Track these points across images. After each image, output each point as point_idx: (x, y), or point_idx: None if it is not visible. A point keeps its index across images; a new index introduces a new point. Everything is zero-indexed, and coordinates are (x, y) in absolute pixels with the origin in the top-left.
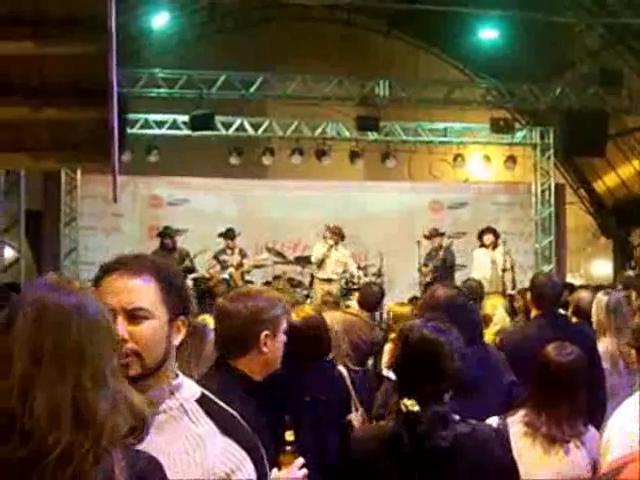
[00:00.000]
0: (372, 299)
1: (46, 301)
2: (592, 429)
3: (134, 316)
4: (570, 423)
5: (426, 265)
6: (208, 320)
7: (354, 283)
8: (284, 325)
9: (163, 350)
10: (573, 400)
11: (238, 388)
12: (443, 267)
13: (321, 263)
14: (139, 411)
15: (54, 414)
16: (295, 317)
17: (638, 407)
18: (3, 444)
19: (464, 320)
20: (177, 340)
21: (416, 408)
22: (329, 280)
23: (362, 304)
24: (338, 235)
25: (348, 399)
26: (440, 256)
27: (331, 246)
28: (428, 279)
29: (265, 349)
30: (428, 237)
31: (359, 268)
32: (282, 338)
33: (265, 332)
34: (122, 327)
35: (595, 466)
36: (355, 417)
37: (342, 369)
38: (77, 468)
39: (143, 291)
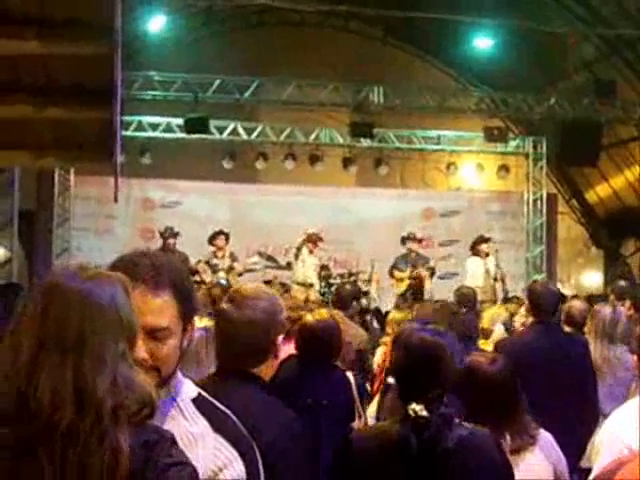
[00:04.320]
0: (342, 297)
1: (54, 289)
2: (545, 432)
3: (156, 337)
4: (527, 430)
5: (400, 269)
6: (206, 323)
7: (331, 284)
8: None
9: (177, 360)
10: (519, 405)
11: (277, 400)
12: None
13: (298, 266)
14: (143, 392)
15: (56, 396)
16: (310, 319)
17: (637, 412)
18: (15, 422)
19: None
20: (186, 345)
21: (424, 413)
22: (308, 284)
23: (335, 302)
24: (315, 244)
25: (352, 405)
26: (426, 265)
27: (311, 251)
28: (403, 287)
29: (279, 354)
30: (406, 240)
31: (350, 275)
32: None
33: (280, 336)
34: (143, 348)
35: (555, 469)
36: (358, 424)
37: (350, 375)
38: (84, 445)
39: (164, 310)
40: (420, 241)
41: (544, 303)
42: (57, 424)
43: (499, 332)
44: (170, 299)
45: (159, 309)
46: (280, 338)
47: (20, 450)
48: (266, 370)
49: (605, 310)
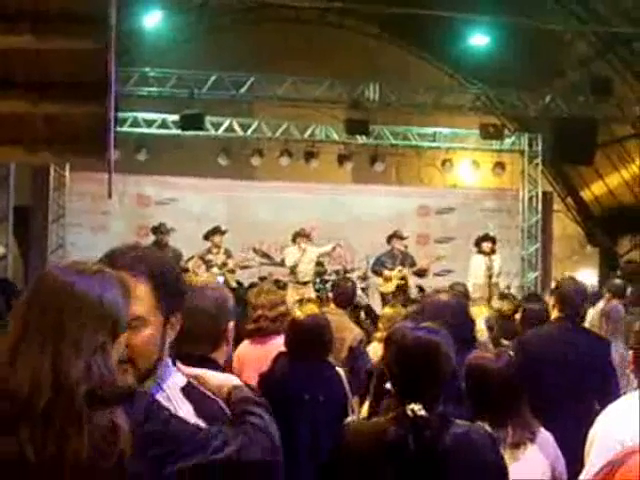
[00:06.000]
0: (346, 295)
1: (45, 279)
2: (545, 431)
3: (129, 326)
4: (527, 426)
5: (387, 268)
6: None
7: (326, 281)
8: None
9: (157, 353)
10: (523, 402)
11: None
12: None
13: (295, 268)
14: (121, 382)
15: (35, 378)
16: (300, 314)
17: (634, 407)
18: None
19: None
20: (172, 336)
21: (423, 412)
22: (304, 283)
23: (336, 301)
24: (308, 237)
25: (346, 402)
26: (417, 266)
27: (304, 250)
28: (392, 287)
29: (230, 340)
30: (392, 238)
31: (345, 272)
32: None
33: (231, 323)
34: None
35: (553, 468)
36: (352, 420)
37: (340, 370)
38: (62, 425)
39: (138, 299)
40: (404, 239)
41: (572, 299)
42: (35, 405)
43: (477, 327)
44: (147, 288)
45: (133, 298)
46: (231, 324)
47: (2, 429)
48: (220, 355)
49: (619, 308)
